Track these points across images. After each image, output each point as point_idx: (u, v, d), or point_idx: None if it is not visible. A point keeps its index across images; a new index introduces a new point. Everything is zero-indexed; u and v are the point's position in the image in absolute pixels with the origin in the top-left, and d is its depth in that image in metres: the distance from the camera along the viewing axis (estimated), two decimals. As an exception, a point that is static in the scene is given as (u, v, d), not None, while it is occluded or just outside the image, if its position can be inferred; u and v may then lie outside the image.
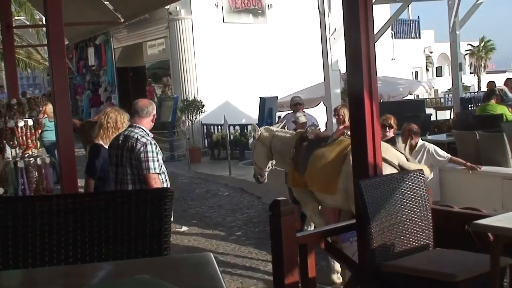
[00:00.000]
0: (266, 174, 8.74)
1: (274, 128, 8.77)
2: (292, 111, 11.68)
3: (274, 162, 8.59)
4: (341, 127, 7.98)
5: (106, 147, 6.62)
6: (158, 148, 5.75)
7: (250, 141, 10.20)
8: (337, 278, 7.26)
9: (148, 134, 5.79)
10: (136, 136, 5.67)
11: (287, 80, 20.66)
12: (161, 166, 5.74)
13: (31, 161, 6.07)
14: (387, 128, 8.67)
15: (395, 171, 6.30)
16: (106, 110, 7.37)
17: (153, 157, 5.60)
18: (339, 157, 7.16)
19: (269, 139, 8.41)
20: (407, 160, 6.76)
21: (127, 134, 5.78)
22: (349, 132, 7.03)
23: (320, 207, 7.71)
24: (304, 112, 11.94)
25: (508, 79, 17.42)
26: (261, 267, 8.06)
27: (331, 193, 7.25)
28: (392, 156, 6.67)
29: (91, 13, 9.49)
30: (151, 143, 5.65)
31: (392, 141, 8.69)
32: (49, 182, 6.18)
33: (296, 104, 11.72)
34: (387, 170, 6.06)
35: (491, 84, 17.30)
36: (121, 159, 5.72)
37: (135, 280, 1.81)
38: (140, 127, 5.80)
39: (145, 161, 5.58)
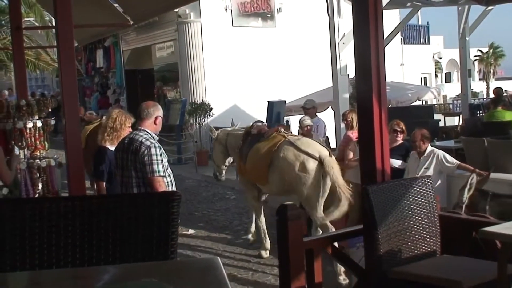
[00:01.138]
0: (224, 172, 9.90)
1: (229, 129, 10.08)
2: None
3: (231, 160, 9.71)
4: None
5: (111, 148, 6.64)
6: (162, 151, 5.73)
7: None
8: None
9: (153, 137, 5.76)
10: (140, 139, 5.65)
11: (295, 84, 20.65)
12: (166, 169, 5.71)
13: (34, 163, 6.08)
14: (398, 133, 8.65)
15: (316, 162, 7.79)
16: (110, 112, 7.39)
17: (157, 160, 5.57)
18: (268, 152, 8.24)
19: (225, 138, 9.59)
20: (329, 155, 7.93)
21: (131, 137, 5.77)
22: (283, 129, 8.62)
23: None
24: (317, 116, 12.01)
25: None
26: (268, 271, 8.05)
27: (262, 183, 8.48)
28: (314, 150, 7.93)
29: (101, 15, 9.52)
30: (155, 146, 5.61)
31: (402, 147, 8.67)
32: (54, 185, 6.18)
33: (303, 107, 11.83)
34: (309, 162, 7.81)
35: (498, 90, 17.21)
36: (126, 162, 5.71)
37: (142, 283, 1.81)
38: (144, 130, 5.77)
39: (149, 164, 5.56)
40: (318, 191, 7.85)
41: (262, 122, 9.65)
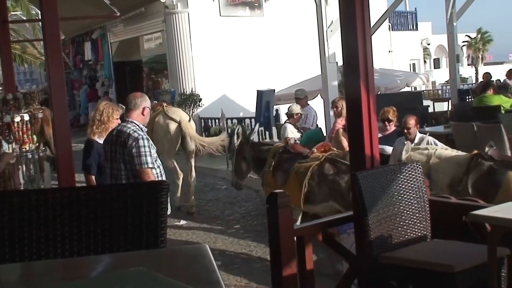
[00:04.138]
0: None
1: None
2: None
3: None
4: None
5: (99, 141, 6.62)
6: (150, 142, 5.71)
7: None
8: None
9: (141, 129, 5.73)
10: (128, 131, 5.63)
11: (284, 73, 20.64)
12: (155, 160, 5.71)
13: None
14: (385, 122, 8.64)
15: (176, 124, 10.66)
16: (97, 105, 7.38)
17: (145, 152, 5.55)
18: (152, 120, 10.00)
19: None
20: (189, 120, 10.97)
21: (119, 129, 5.75)
22: (165, 104, 11.46)
23: None
24: (308, 104, 12.02)
25: (510, 70, 17.48)
26: (260, 259, 8.07)
27: None
28: (176, 116, 10.81)
29: (87, 8, 9.48)
30: (142, 138, 5.60)
31: (395, 135, 8.64)
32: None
33: (296, 98, 11.90)
34: (171, 124, 10.72)
35: (487, 75, 17.29)
36: (114, 154, 5.69)
37: (130, 272, 1.81)
38: (132, 122, 5.75)
39: (137, 156, 5.54)
40: (174, 145, 10.80)
41: (156, 102, 12.55)
